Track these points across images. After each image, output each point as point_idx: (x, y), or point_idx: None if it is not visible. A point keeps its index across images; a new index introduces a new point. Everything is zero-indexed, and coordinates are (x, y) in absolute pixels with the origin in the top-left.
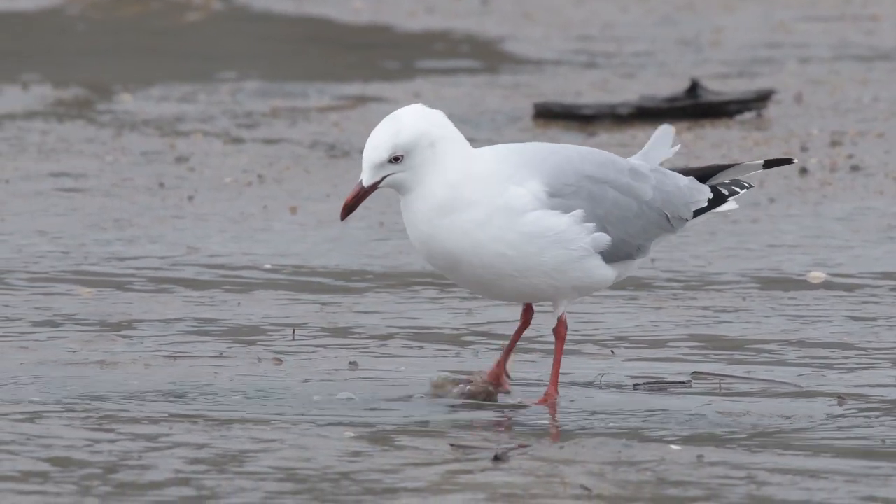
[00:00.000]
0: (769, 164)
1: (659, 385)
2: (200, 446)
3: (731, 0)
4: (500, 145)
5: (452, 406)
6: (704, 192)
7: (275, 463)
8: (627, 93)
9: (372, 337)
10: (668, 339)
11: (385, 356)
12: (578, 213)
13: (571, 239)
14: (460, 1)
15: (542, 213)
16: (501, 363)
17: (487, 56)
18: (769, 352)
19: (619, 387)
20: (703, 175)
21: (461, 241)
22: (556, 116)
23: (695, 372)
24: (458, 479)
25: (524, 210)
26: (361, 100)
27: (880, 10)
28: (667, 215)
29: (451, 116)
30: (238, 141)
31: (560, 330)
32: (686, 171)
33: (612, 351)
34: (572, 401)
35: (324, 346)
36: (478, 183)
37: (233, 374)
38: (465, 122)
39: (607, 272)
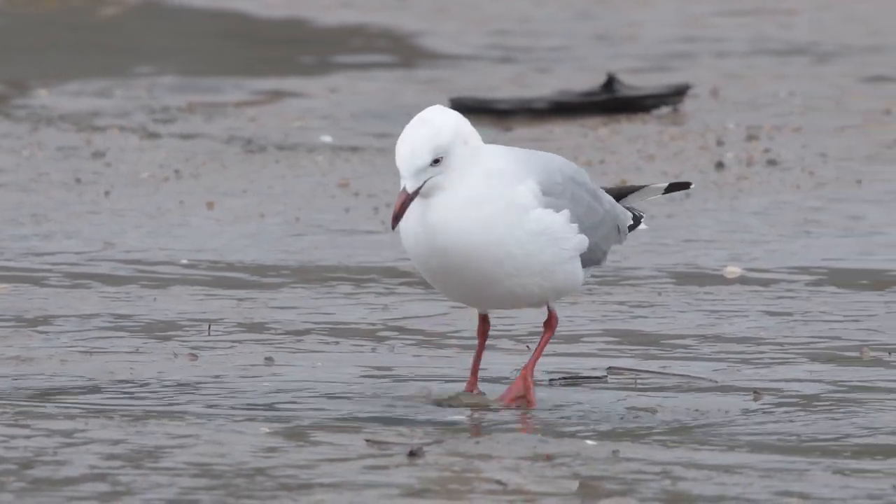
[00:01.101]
0: (670, 188)
1: (574, 380)
2: (116, 442)
3: None
4: (492, 144)
5: (373, 401)
6: (624, 210)
7: (190, 458)
8: (543, 87)
9: (288, 332)
10: (584, 334)
11: (301, 352)
12: (566, 212)
13: (563, 238)
14: None
15: (542, 210)
16: (471, 385)
17: (404, 51)
18: (685, 347)
19: (534, 382)
20: (617, 196)
21: (483, 235)
22: (472, 111)
23: (610, 367)
24: (374, 474)
25: (529, 207)
26: (278, 95)
27: (796, 5)
28: (618, 226)
29: (367, 112)
30: (154, 136)
31: (552, 322)
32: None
33: (527, 346)
34: (485, 395)
35: (239, 342)
36: (494, 178)
37: (149, 370)
38: (381, 117)
39: (582, 277)
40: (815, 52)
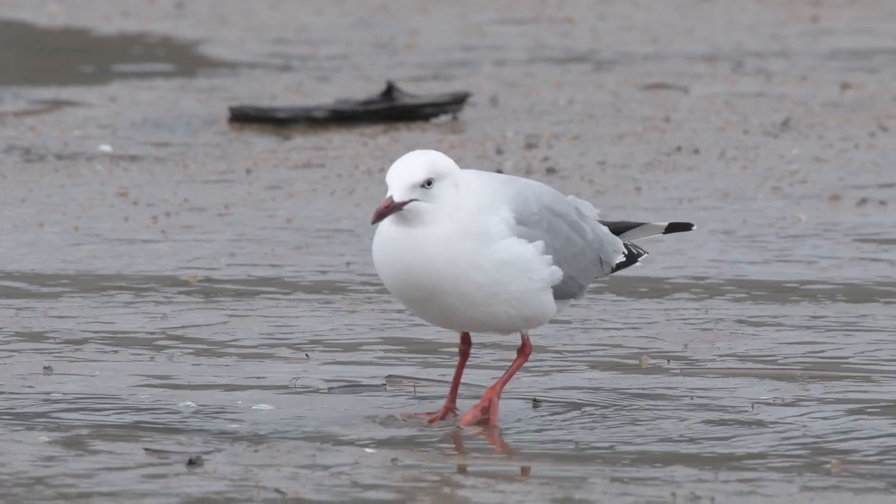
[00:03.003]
0: (671, 228)
1: (354, 388)
2: None
3: (426, 2)
4: (472, 171)
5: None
6: (619, 245)
7: None
8: (323, 96)
9: (66, 342)
10: (363, 342)
11: (80, 361)
12: (540, 243)
13: (535, 269)
14: (155, 4)
15: (512, 240)
16: (451, 402)
17: (183, 59)
18: None
19: (314, 390)
20: (616, 230)
21: (445, 272)
22: (252, 120)
23: (389, 375)
24: (153, 483)
25: (498, 237)
26: (57, 104)
27: (575, 13)
28: (601, 258)
29: (146, 121)
30: None
31: (526, 350)
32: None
33: (306, 354)
34: (263, 404)
35: (18, 351)
36: (472, 214)
37: None
38: (160, 126)
39: (553, 308)
40: (595, 60)
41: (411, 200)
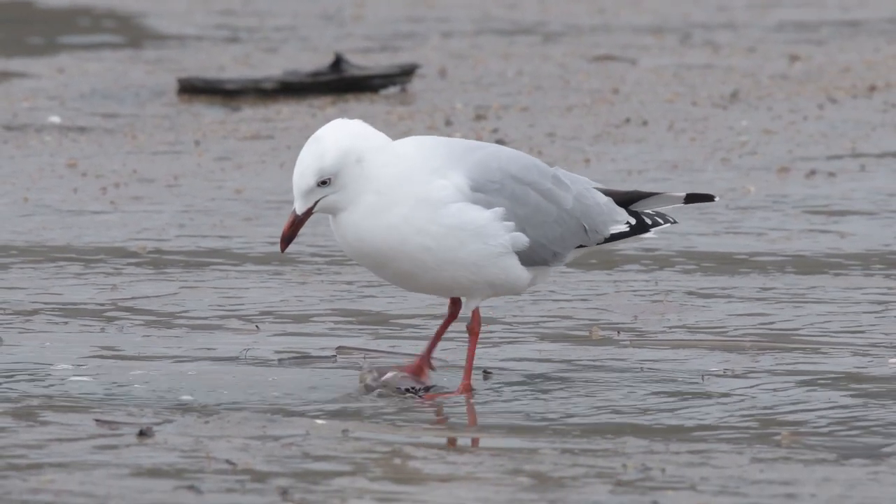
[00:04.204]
0: (690, 198)
1: (304, 360)
2: None
3: None
4: (426, 137)
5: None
6: (621, 215)
7: None
8: (271, 67)
9: (16, 312)
10: (313, 313)
11: (30, 332)
12: (499, 210)
13: (491, 234)
14: None
15: (464, 205)
16: (426, 354)
17: (131, 31)
18: (414, 326)
19: (264, 361)
20: (625, 200)
21: (388, 239)
22: (201, 91)
23: (339, 347)
24: (104, 454)
25: (446, 201)
26: (5, 75)
27: None
28: (585, 227)
29: (94, 92)
30: None
31: (474, 326)
32: (607, 193)
33: (256, 326)
34: (209, 374)
35: None
36: (403, 181)
37: None
38: (109, 97)
39: (523, 274)
40: (542, 32)
41: (316, 203)
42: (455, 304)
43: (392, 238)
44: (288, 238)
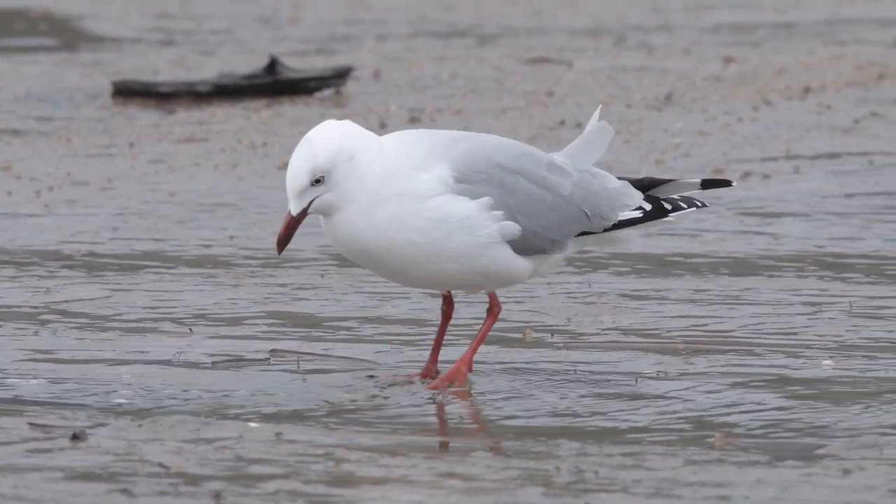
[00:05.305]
0: (706, 184)
1: (237, 362)
2: None
3: None
4: (411, 130)
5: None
6: (635, 199)
7: None
8: (206, 70)
9: None
10: (247, 316)
11: None
12: (486, 200)
13: (477, 225)
14: None
15: (448, 197)
16: (431, 362)
17: (66, 34)
18: (347, 329)
19: (197, 364)
20: (638, 187)
21: (378, 238)
22: (135, 94)
23: (273, 349)
24: (37, 457)
25: (429, 195)
26: None
27: None
28: (586, 213)
29: (29, 95)
30: None
31: (492, 307)
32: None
33: (190, 329)
34: (143, 377)
35: None
36: (388, 177)
37: None
38: (44, 101)
39: (519, 263)
40: (477, 35)
41: (310, 204)
42: (448, 304)
43: (382, 236)
44: (284, 240)
